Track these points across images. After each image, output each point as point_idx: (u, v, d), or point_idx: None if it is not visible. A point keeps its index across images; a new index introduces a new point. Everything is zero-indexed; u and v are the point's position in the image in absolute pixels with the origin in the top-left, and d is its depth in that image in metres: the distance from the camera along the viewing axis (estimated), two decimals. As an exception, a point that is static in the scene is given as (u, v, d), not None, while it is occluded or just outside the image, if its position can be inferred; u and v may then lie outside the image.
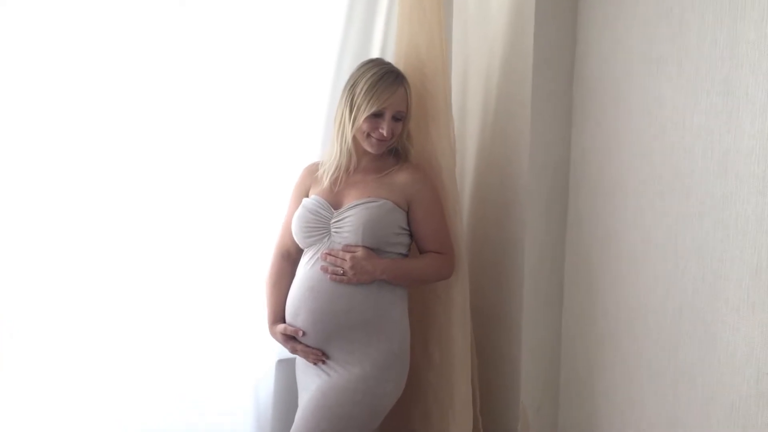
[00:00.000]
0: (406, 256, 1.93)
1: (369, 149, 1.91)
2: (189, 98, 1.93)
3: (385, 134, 1.86)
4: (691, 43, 1.72)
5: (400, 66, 1.98)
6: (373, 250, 1.85)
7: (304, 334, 1.87)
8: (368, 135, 1.88)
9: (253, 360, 2.10)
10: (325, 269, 1.84)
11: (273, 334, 1.97)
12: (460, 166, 2.30)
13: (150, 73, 1.87)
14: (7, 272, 1.77)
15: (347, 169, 1.93)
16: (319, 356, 1.88)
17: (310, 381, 1.90)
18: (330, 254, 1.84)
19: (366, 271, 1.81)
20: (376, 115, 1.85)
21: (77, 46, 1.77)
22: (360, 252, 1.81)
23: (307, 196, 2.00)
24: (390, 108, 1.86)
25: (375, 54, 2.08)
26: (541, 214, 2.11)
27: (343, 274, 1.82)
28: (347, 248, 1.83)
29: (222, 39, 1.95)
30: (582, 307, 2.12)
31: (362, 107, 1.83)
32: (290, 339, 1.93)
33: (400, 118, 1.90)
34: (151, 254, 1.94)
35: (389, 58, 2.06)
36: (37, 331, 1.82)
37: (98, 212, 1.87)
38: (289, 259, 2.02)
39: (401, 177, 1.90)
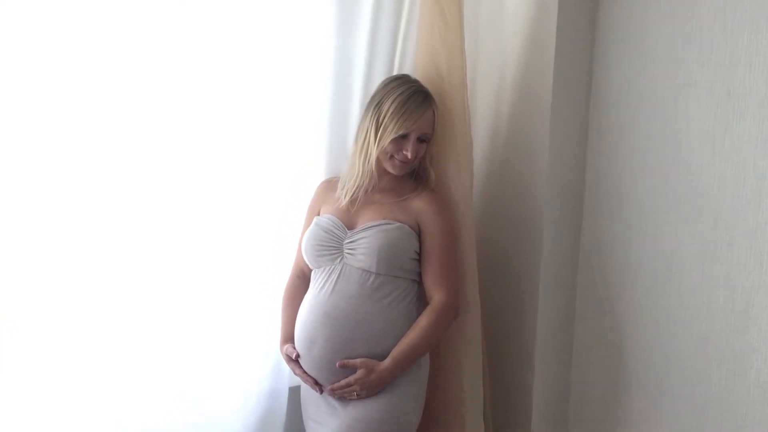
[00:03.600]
0: (419, 283, 1.84)
1: (391, 170, 1.83)
2: (196, 101, 1.83)
3: (409, 156, 1.78)
4: (722, 67, 1.69)
5: (418, 77, 1.91)
6: (387, 276, 1.76)
7: (298, 356, 1.80)
8: (391, 156, 1.80)
9: (255, 361, 2.01)
10: (340, 396, 1.76)
11: (281, 347, 1.89)
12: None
13: (156, 76, 1.78)
14: (7, 272, 1.69)
15: (366, 189, 1.84)
16: (315, 387, 1.80)
17: (326, 413, 1.79)
18: (335, 389, 1.75)
19: (377, 384, 1.73)
20: (402, 137, 1.77)
21: (78, 47, 1.68)
22: (360, 373, 1.72)
23: (318, 213, 1.90)
24: (416, 130, 1.78)
25: (395, 66, 2.00)
26: (555, 240, 2.04)
27: (357, 396, 1.74)
28: (343, 364, 1.73)
29: (242, 49, 1.88)
30: (595, 337, 2.07)
31: (389, 128, 1.75)
32: (292, 361, 1.84)
33: (425, 139, 1.82)
34: (153, 255, 1.85)
35: (408, 70, 1.98)
36: (37, 331, 1.72)
37: (99, 213, 1.77)
38: (304, 278, 1.93)
39: (418, 203, 1.82)
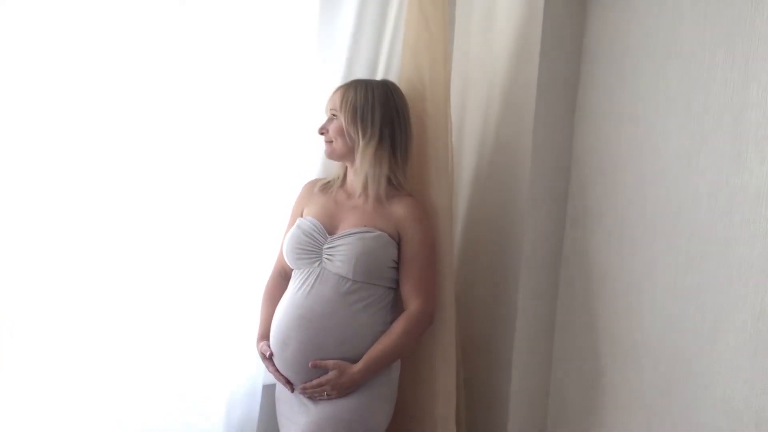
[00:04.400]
0: (395, 290, 1.87)
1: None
2: (194, 100, 1.89)
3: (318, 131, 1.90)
4: (700, 82, 1.71)
5: (403, 86, 1.94)
6: (363, 283, 1.79)
7: (272, 355, 1.83)
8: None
9: (233, 359, 2.05)
10: (311, 396, 1.80)
11: (257, 342, 1.93)
12: (455, 194, 2.25)
13: (150, 77, 1.83)
14: (6, 272, 1.73)
15: (348, 193, 1.87)
16: (287, 385, 1.83)
17: (298, 412, 1.82)
18: (306, 388, 1.79)
19: (348, 386, 1.76)
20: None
21: (78, 47, 1.73)
22: (332, 374, 1.75)
23: (302, 214, 1.94)
24: (328, 111, 1.90)
25: (379, 72, 2.05)
26: (537, 249, 2.06)
27: (328, 396, 1.77)
28: (316, 365, 1.76)
29: (233, 51, 1.93)
30: (573, 345, 2.08)
31: None
32: (266, 359, 1.87)
33: (336, 115, 1.87)
34: (152, 256, 1.90)
35: (393, 77, 2.03)
36: (37, 331, 1.77)
37: (98, 213, 1.82)
38: (284, 276, 1.96)
39: (398, 210, 1.84)
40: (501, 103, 2.12)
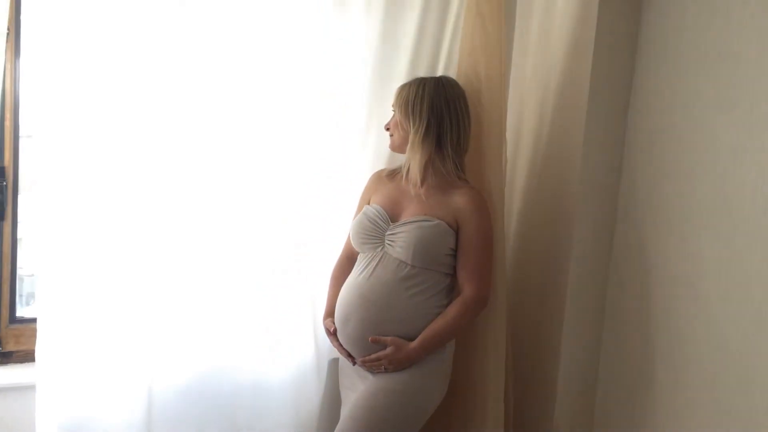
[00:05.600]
0: (451, 275, 1.99)
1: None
2: (233, 98, 2.02)
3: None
4: (746, 81, 1.76)
5: (460, 80, 2.06)
6: (421, 269, 1.91)
7: (335, 330, 1.97)
8: None
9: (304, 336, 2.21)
10: (369, 368, 1.94)
11: (324, 319, 2.09)
12: (511, 184, 2.35)
13: (200, 77, 1.96)
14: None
15: (416, 184, 1.99)
16: (348, 358, 1.97)
17: (358, 382, 1.97)
18: (365, 362, 1.93)
19: (403, 361, 1.89)
20: None
21: (111, 48, 1.84)
22: (389, 349, 1.88)
23: (369, 202, 2.08)
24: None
25: (439, 68, 2.18)
26: (587, 239, 2.15)
27: (385, 369, 1.91)
28: (376, 340, 1.90)
29: (309, 54, 2.08)
30: (622, 334, 2.15)
31: None
32: (330, 334, 2.03)
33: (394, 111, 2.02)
34: (242, 245, 2.09)
35: (452, 72, 2.16)
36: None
37: (187, 205, 2.00)
38: (351, 259, 2.10)
39: (458, 200, 1.95)
40: (555, 100, 2.21)
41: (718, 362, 1.83)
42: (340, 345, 2.00)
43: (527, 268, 2.31)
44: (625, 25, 2.09)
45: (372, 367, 1.92)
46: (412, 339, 1.90)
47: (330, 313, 2.07)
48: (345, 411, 1.96)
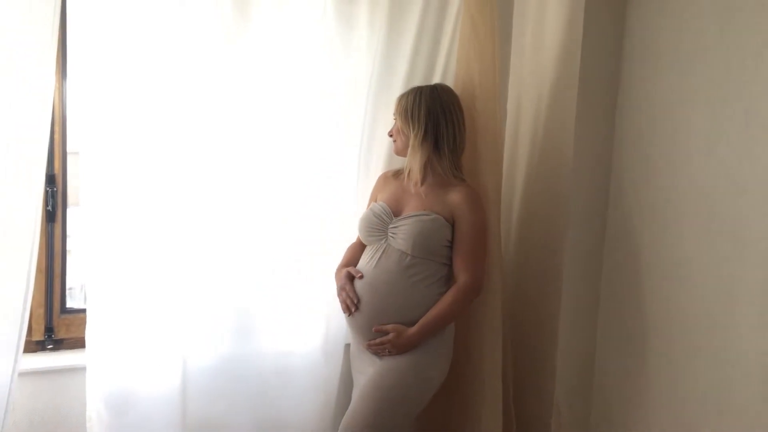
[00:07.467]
0: (448, 266, 2.17)
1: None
2: (238, 102, 2.22)
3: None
4: (717, 78, 1.92)
5: (457, 88, 2.26)
6: (421, 259, 2.11)
7: (362, 276, 2.14)
8: None
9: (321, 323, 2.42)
10: (375, 352, 2.13)
11: (337, 272, 2.28)
12: (510, 179, 2.55)
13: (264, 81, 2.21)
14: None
15: (416, 182, 2.19)
16: (354, 305, 2.13)
17: (368, 365, 2.17)
18: (371, 345, 2.13)
19: (405, 345, 2.07)
20: None
21: (161, 52, 2.08)
22: (391, 335, 2.07)
23: (376, 200, 2.29)
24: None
25: (437, 75, 2.38)
26: (582, 227, 2.33)
27: (389, 353, 2.10)
28: (378, 329, 2.10)
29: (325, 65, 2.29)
30: (617, 312, 2.33)
31: None
32: (347, 281, 2.18)
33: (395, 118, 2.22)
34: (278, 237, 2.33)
35: (449, 80, 2.36)
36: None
37: (234, 197, 2.25)
38: (363, 245, 2.30)
39: (454, 197, 2.14)
40: (549, 99, 2.39)
41: (704, 335, 2.00)
42: (353, 289, 2.15)
43: (527, 255, 2.50)
44: (611, 29, 2.27)
45: (377, 351, 2.11)
46: (412, 324, 2.08)
47: (345, 265, 2.26)
48: (356, 392, 2.17)
